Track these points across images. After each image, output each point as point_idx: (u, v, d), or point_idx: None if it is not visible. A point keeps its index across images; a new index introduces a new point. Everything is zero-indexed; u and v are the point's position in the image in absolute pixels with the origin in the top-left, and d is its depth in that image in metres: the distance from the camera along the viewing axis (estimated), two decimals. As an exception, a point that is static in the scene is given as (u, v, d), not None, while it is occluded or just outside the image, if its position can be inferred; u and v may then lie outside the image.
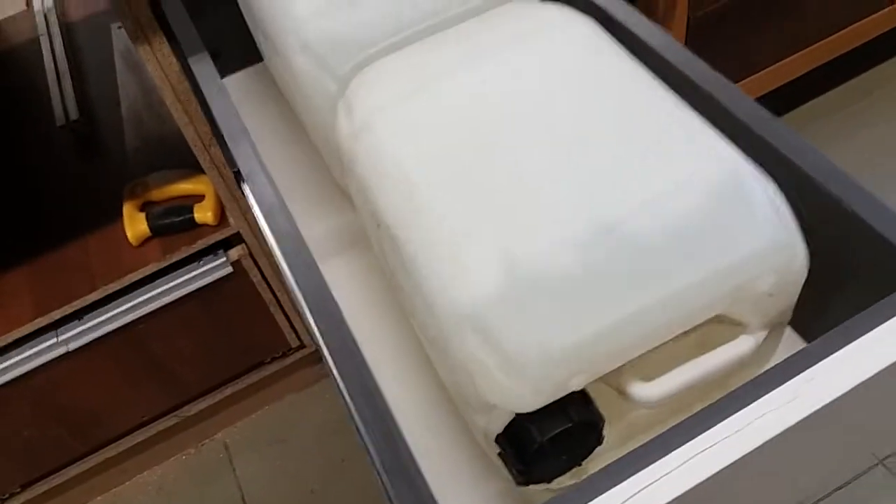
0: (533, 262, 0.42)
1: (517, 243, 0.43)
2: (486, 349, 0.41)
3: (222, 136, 0.63)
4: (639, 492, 0.35)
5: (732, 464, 0.37)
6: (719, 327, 0.47)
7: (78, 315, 1.01)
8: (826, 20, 1.32)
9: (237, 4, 0.75)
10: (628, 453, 0.37)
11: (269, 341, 1.22)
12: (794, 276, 0.45)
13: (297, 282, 0.52)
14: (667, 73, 0.55)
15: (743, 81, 1.33)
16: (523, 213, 0.45)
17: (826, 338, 0.41)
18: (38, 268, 1.03)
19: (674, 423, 0.39)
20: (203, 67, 0.70)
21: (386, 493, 0.42)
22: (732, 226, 0.43)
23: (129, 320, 1.03)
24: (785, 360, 0.41)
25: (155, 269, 1.01)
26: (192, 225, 1.02)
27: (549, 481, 0.46)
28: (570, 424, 0.42)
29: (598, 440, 0.45)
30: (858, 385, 0.40)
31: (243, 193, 0.94)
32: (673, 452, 0.37)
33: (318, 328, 0.49)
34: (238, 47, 0.84)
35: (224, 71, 0.90)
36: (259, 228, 0.95)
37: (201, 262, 1.04)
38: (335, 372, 0.47)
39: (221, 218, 1.03)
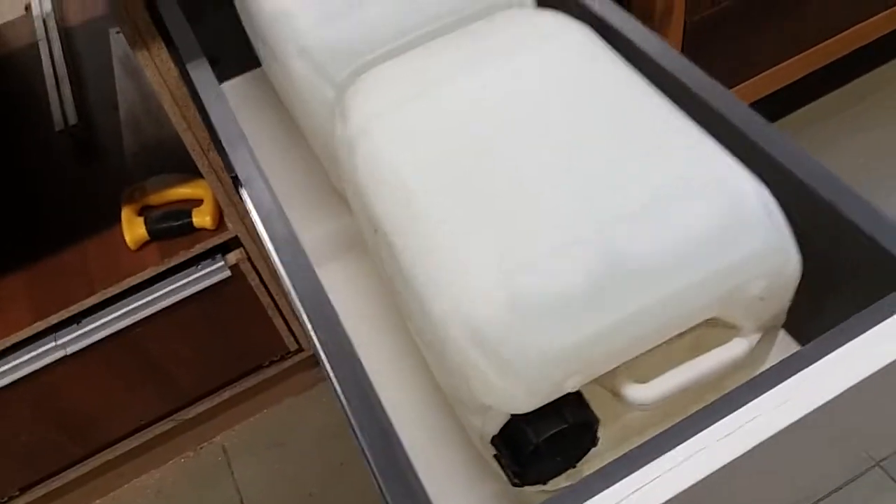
0: (528, 266, 0.43)
1: (512, 248, 0.44)
2: (482, 351, 0.42)
3: (220, 141, 0.63)
4: (632, 493, 0.36)
5: (725, 465, 0.37)
6: (713, 330, 0.47)
7: (76, 319, 1.02)
8: (823, 24, 1.33)
9: (235, 10, 0.76)
10: (622, 455, 0.37)
11: (267, 345, 1.23)
12: (787, 279, 0.46)
13: (294, 286, 0.52)
14: (662, 80, 0.55)
15: (740, 85, 1.33)
16: (518, 218, 0.45)
17: (818, 341, 0.42)
18: (37, 272, 1.04)
19: (669, 425, 0.39)
20: (201, 73, 0.70)
21: (382, 496, 0.42)
22: (725, 230, 0.44)
23: (127, 324, 1.04)
24: (778, 363, 0.41)
25: (153, 273, 1.01)
26: (191, 229, 1.03)
27: (545, 483, 0.46)
28: (565, 426, 0.42)
29: (593, 441, 0.45)
30: (850, 388, 0.40)
31: (241, 198, 0.94)
32: (667, 454, 0.37)
33: (315, 332, 0.50)
34: (236, 53, 0.84)
35: (222, 76, 0.90)
36: (257, 233, 0.96)
37: (200, 267, 1.04)
38: (332, 375, 0.47)
39: (220, 222, 1.03)
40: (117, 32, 1.32)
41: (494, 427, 0.44)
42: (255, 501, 1.27)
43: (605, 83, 0.53)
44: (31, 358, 1.01)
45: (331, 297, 0.51)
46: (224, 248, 1.06)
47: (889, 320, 0.42)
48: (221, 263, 1.05)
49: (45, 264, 1.04)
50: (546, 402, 0.42)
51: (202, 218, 1.01)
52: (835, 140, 1.47)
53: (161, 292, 1.03)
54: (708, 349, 0.47)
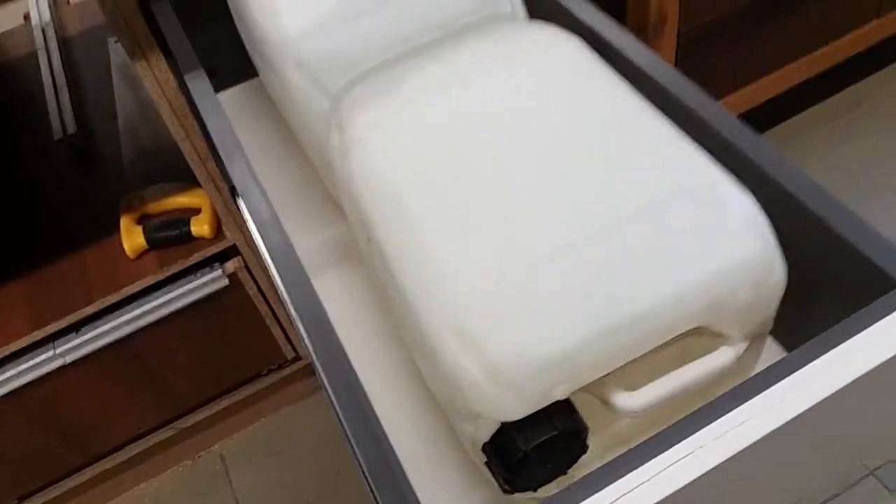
0: (518, 275, 0.44)
1: (502, 257, 0.45)
2: (472, 359, 0.43)
3: (217, 151, 0.64)
4: (617, 499, 0.36)
5: (710, 471, 0.38)
6: (701, 339, 0.48)
7: (75, 327, 1.02)
8: (815, 34, 1.34)
9: (232, 21, 0.77)
10: (608, 462, 0.38)
11: (265, 353, 1.23)
12: (773, 288, 0.46)
13: (290, 295, 0.53)
14: (653, 91, 0.56)
15: (733, 94, 1.34)
16: (509, 227, 0.46)
17: (803, 349, 0.42)
18: (36, 280, 1.04)
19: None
20: (198, 84, 0.71)
21: (375, 501, 0.43)
22: (711, 239, 0.45)
23: (125, 333, 1.04)
24: (763, 369, 0.42)
25: (152, 281, 1.02)
26: (189, 238, 1.03)
27: (535, 490, 0.47)
28: (554, 433, 0.43)
29: (583, 449, 0.46)
30: (834, 393, 0.41)
31: (238, 208, 0.95)
32: (651, 461, 0.38)
33: (310, 340, 0.50)
34: (233, 63, 0.85)
35: (219, 87, 0.91)
36: (254, 242, 0.96)
37: (198, 275, 1.05)
38: (326, 384, 0.48)
39: (218, 231, 1.04)
40: (116, 42, 1.33)
41: (485, 434, 0.44)
42: (253, 509, 1.27)
43: (595, 95, 0.54)
44: (30, 367, 1.01)
45: (326, 305, 0.52)
46: (222, 257, 1.06)
47: (872, 328, 0.42)
48: (219, 272, 1.05)
49: (43, 273, 1.04)
50: (535, 409, 0.43)
51: (200, 227, 1.02)
52: (828, 147, 1.48)
53: (159, 301, 1.04)
54: (696, 358, 0.47)
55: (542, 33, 0.59)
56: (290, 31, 0.61)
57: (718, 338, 0.48)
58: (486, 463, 0.46)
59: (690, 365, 0.47)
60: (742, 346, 0.48)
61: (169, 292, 1.04)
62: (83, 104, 1.26)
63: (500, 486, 0.46)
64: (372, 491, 0.44)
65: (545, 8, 0.67)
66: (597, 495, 0.36)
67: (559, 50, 0.58)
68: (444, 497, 0.55)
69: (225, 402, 1.26)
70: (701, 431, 0.39)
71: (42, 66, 1.30)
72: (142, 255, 1.03)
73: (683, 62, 1.22)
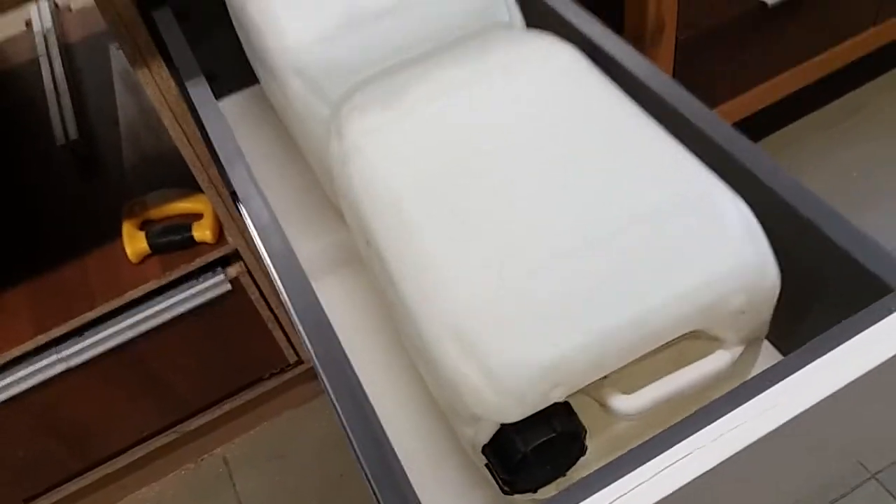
0: (516, 281, 0.45)
1: (500, 262, 0.45)
2: (471, 363, 0.43)
3: (219, 157, 0.65)
4: (615, 500, 0.37)
5: (707, 472, 0.39)
6: (698, 343, 0.49)
7: (78, 332, 1.03)
8: (813, 40, 1.35)
9: (233, 28, 0.77)
10: (606, 464, 0.39)
11: (267, 357, 1.24)
12: (766, 293, 0.47)
13: (291, 300, 0.54)
14: (649, 100, 0.57)
15: (732, 101, 1.35)
16: (506, 233, 0.47)
17: (798, 352, 0.43)
18: (39, 286, 1.05)
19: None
20: (200, 91, 0.72)
21: (377, 503, 0.44)
22: (705, 246, 0.45)
23: (128, 337, 1.05)
24: (759, 373, 0.42)
25: (154, 286, 1.03)
26: (191, 243, 1.04)
27: (535, 491, 0.47)
28: (552, 435, 0.43)
29: (581, 450, 0.46)
30: (828, 397, 0.41)
31: (240, 213, 0.96)
32: (648, 462, 0.38)
33: (311, 344, 0.51)
34: (234, 70, 0.86)
35: (220, 93, 0.92)
36: (256, 246, 0.97)
37: (200, 280, 1.06)
38: (328, 387, 0.49)
39: (220, 236, 1.05)
40: (117, 48, 1.34)
41: (485, 436, 0.45)
42: (256, 513, 1.28)
43: (592, 104, 0.55)
44: (34, 371, 1.02)
45: (327, 309, 0.53)
46: (224, 262, 1.07)
47: (866, 332, 0.43)
48: (222, 277, 1.06)
49: (46, 278, 1.05)
50: (534, 411, 0.43)
51: (202, 232, 1.03)
52: (828, 153, 1.49)
53: (162, 305, 1.04)
54: (692, 361, 0.48)
55: (540, 43, 0.60)
56: (290, 40, 0.62)
57: (715, 342, 0.49)
58: (486, 464, 0.46)
59: (687, 368, 0.47)
60: (738, 350, 0.49)
61: (171, 297, 1.05)
62: (85, 110, 1.26)
63: (500, 487, 0.46)
64: (374, 492, 0.45)
65: (543, 17, 0.68)
66: (594, 496, 0.37)
67: (557, 59, 0.58)
68: (445, 498, 0.55)
69: (227, 406, 1.26)
70: (697, 434, 0.40)
71: (44, 73, 1.31)
72: (144, 259, 1.04)
73: (681, 69, 1.23)
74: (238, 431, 1.35)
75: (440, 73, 0.58)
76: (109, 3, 0.78)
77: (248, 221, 0.62)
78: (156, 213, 1.07)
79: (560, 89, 0.56)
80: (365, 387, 0.48)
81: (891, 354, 0.42)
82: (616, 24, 1.22)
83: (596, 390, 0.46)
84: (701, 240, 0.46)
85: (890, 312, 0.44)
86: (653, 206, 0.47)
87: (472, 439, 0.46)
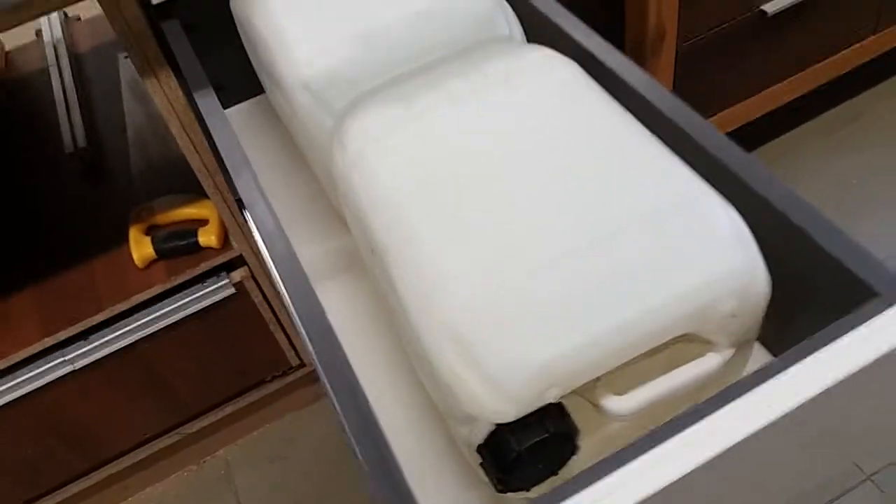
0: (512, 282, 0.46)
1: (496, 266, 0.47)
2: (467, 364, 0.45)
3: (225, 165, 0.66)
4: (603, 497, 0.38)
5: (694, 470, 0.40)
6: (690, 345, 0.50)
7: (84, 335, 1.04)
8: (813, 48, 1.36)
9: (240, 39, 0.79)
10: (597, 462, 0.40)
11: (269, 360, 1.25)
12: (756, 298, 0.48)
13: (294, 304, 0.55)
14: (645, 111, 0.58)
15: (732, 108, 1.36)
16: (503, 238, 0.49)
17: (787, 353, 0.45)
18: (47, 289, 1.06)
19: (644, 436, 0.42)
20: (207, 100, 0.74)
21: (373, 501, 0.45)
22: (697, 251, 0.47)
23: (134, 340, 1.06)
24: (746, 375, 0.44)
25: (160, 290, 1.04)
26: (197, 248, 1.05)
27: (528, 489, 0.49)
28: (546, 435, 0.45)
29: (573, 450, 0.48)
30: (817, 395, 0.43)
31: (245, 219, 0.97)
32: (635, 461, 0.40)
33: (313, 347, 0.52)
34: (241, 80, 0.88)
35: (228, 102, 0.93)
36: (260, 252, 0.98)
37: (205, 284, 1.07)
38: (328, 387, 0.50)
39: (225, 241, 1.06)
40: (125, 57, 1.36)
41: (480, 436, 0.46)
42: (257, 515, 1.29)
43: (589, 115, 0.56)
44: (40, 373, 1.03)
45: (329, 313, 0.54)
46: (229, 267, 1.08)
47: (853, 332, 0.44)
48: (226, 281, 1.07)
49: (54, 282, 1.07)
50: (528, 411, 0.45)
51: (208, 237, 1.04)
52: (826, 161, 1.50)
53: (167, 309, 1.06)
54: (684, 363, 0.49)
55: (539, 56, 0.61)
56: (296, 53, 0.64)
57: (706, 345, 0.50)
58: (481, 464, 0.48)
59: (678, 370, 0.49)
60: (729, 352, 0.50)
61: (177, 301, 1.06)
62: (93, 118, 1.28)
63: (495, 486, 0.48)
64: (372, 492, 0.46)
65: (543, 30, 0.69)
66: (583, 493, 0.38)
67: (555, 71, 0.60)
68: (442, 498, 0.57)
69: (230, 409, 1.27)
70: (686, 431, 0.41)
71: (53, 82, 1.33)
72: (150, 264, 1.05)
73: (682, 78, 1.24)
74: (240, 433, 1.36)
75: (442, 84, 0.60)
76: (119, 14, 0.79)
77: (253, 227, 0.64)
78: (162, 218, 1.08)
79: (557, 101, 0.58)
80: (365, 389, 0.50)
81: (878, 355, 0.44)
82: (617, 33, 1.24)
83: (589, 391, 0.47)
84: (692, 245, 0.47)
85: (876, 315, 0.45)
86: (645, 213, 0.48)
87: (468, 439, 0.48)
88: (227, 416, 1.28)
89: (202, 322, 1.10)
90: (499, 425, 0.45)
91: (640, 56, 1.21)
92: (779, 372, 0.43)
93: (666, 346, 0.49)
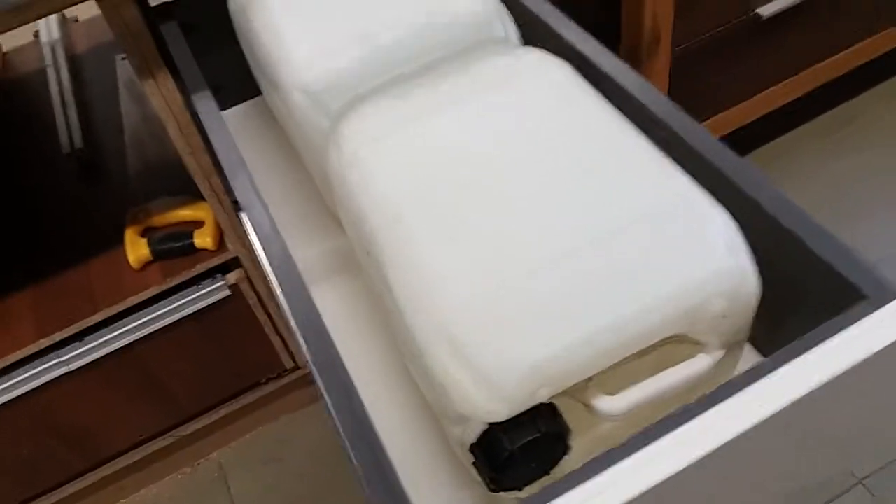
0: (504, 284, 0.47)
1: (490, 267, 0.48)
2: (460, 364, 0.45)
3: (222, 167, 0.67)
4: (594, 496, 0.39)
5: (684, 469, 0.40)
6: (681, 347, 0.51)
7: (80, 336, 1.04)
8: (809, 50, 1.36)
9: (237, 41, 0.80)
10: (588, 462, 0.41)
11: (264, 362, 1.25)
12: (746, 299, 0.49)
13: (289, 306, 0.55)
14: (639, 114, 0.59)
15: (727, 111, 1.36)
16: (497, 239, 0.49)
17: (777, 354, 0.45)
18: (42, 290, 1.06)
19: (635, 437, 0.42)
20: (204, 102, 0.74)
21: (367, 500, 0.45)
22: (687, 253, 0.47)
23: (129, 341, 1.06)
24: (736, 376, 0.44)
25: (155, 292, 1.04)
26: (192, 250, 1.05)
27: (521, 489, 0.49)
28: (538, 434, 0.45)
29: (565, 450, 0.48)
30: (805, 395, 0.43)
31: (241, 221, 0.98)
32: (625, 460, 0.40)
33: (308, 348, 0.53)
34: (238, 82, 0.88)
35: (225, 104, 0.94)
36: (256, 253, 0.99)
37: (200, 286, 1.07)
38: (322, 388, 0.51)
39: (220, 243, 1.06)
40: (122, 58, 1.36)
41: (473, 436, 0.47)
42: (251, 517, 1.29)
43: (583, 118, 0.57)
44: (36, 374, 1.03)
45: (324, 314, 0.55)
46: (224, 269, 1.08)
47: (841, 334, 0.45)
48: (222, 283, 1.07)
49: (50, 283, 1.07)
50: (520, 411, 0.45)
51: (203, 239, 1.04)
52: (822, 163, 1.50)
53: (163, 311, 1.06)
54: (675, 364, 0.50)
55: (534, 58, 0.62)
56: (293, 56, 0.64)
57: (697, 346, 0.51)
58: (474, 463, 0.48)
59: (669, 371, 0.49)
60: (719, 353, 0.51)
61: (172, 302, 1.06)
62: (90, 119, 1.28)
63: (487, 485, 0.48)
64: (366, 493, 0.46)
65: (538, 33, 0.70)
66: (573, 492, 0.39)
67: (550, 74, 0.60)
68: (435, 498, 0.57)
69: (224, 411, 1.27)
70: (677, 430, 0.41)
71: (51, 83, 1.33)
72: (146, 266, 1.05)
73: (677, 81, 1.25)
74: (234, 436, 1.36)
75: (437, 86, 0.61)
76: (118, 15, 0.80)
77: (249, 228, 0.64)
78: (158, 220, 1.08)
79: (552, 103, 0.58)
80: (360, 391, 0.50)
81: (866, 356, 0.44)
82: (612, 36, 1.24)
83: (580, 392, 0.48)
84: (683, 246, 0.48)
85: (865, 317, 0.46)
86: (637, 215, 0.49)
87: (461, 438, 0.48)
88: (221, 418, 1.28)
89: (197, 324, 1.10)
90: (491, 425, 0.46)
91: (635, 59, 1.22)
92: (769, 372, 0.44)
93: (657, 347, 0.49)
